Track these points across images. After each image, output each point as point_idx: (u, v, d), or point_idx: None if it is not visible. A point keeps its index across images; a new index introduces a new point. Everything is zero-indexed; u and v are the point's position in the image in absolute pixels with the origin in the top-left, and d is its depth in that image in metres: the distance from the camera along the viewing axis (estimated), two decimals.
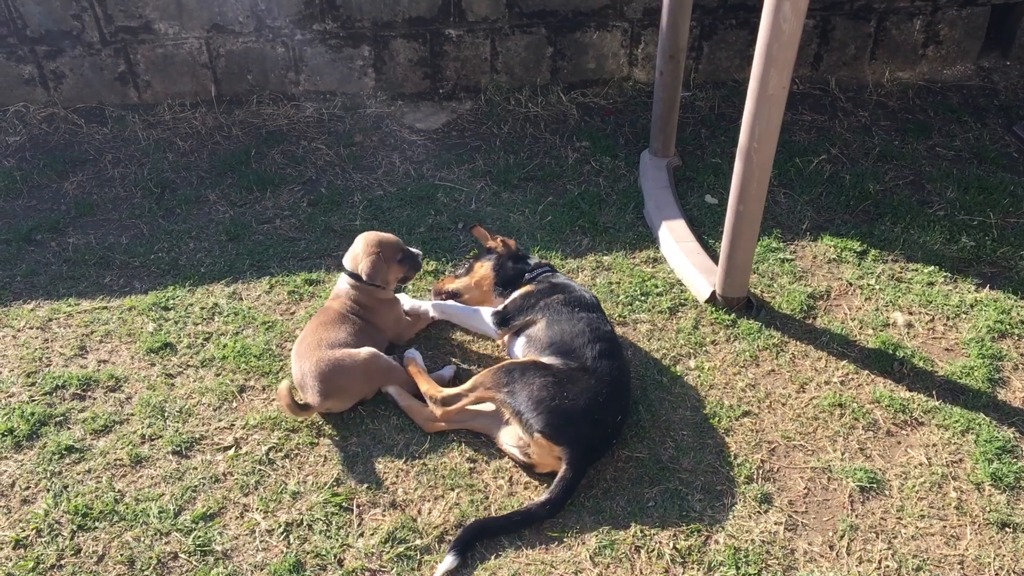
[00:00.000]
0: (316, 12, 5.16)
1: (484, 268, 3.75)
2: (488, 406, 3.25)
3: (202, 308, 3.88)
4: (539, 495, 3.02)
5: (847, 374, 3.57)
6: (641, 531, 2.94)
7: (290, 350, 3.62)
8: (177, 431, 3.29)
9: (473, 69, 5.48)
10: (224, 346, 3.67)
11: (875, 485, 3.11)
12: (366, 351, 3.32)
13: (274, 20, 5.16)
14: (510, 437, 3.16)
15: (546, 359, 3.24)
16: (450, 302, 3.73)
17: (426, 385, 3.30)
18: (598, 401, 3.10)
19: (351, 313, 3.47)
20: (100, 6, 4.99)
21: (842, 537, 2.94)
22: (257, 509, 3.01)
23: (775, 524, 2.98)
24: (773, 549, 2.90)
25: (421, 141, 5.15)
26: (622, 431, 3.23)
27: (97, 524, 2.95)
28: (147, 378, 3.53)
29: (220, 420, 3.35)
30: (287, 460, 3.19)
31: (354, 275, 3.51)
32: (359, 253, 3.50)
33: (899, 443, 3.29)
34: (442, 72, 5.46)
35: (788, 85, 3.25)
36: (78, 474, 3.13)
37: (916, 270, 4.12)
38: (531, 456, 3.09)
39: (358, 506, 3.03)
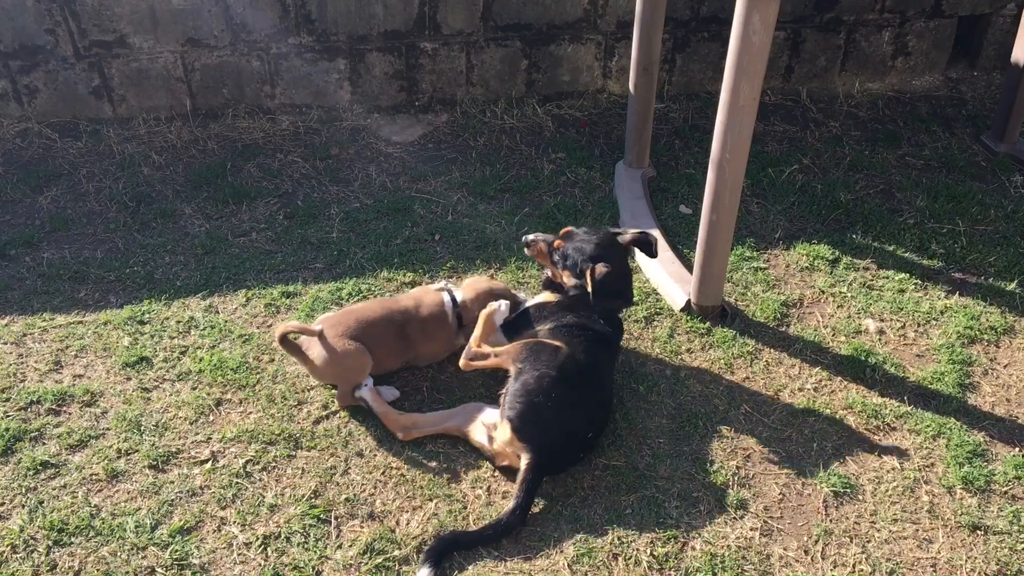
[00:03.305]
0: (291, 25, 5.17)
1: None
2: (460, 408, 3.36)
3: (178, 322, 3.87)
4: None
5: (820, 381, 3.62)
6: (619, 538, 2.96)
7: (267, 363, 3.63)
8: (153, 445, 3.28)
9: (449, 82, 5.50)
10: (200, 359, 3.66)
11: (848, 490, 3.15)
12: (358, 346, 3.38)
13: (249, 34, 5.17)
14: (483, 424, 3.23)
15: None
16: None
17: (478, 334, 3.40)
18: (577, 413, 3.14)
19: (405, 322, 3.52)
20: (74, 20, 4.97)
21: (816, 542, 2.98)
22: (234, 522, 3.00)
23: (751, 530, 3.01)
24: (749, 555, 2.93)
25: (397, 153, 5.17)
26: (593, 448, 3.25)
27: (73, 539, 2.94)
28: (123, 392, 3.52)
29: (197, 434, 3.34)
30: (264, 473, 3.19)
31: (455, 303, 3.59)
32: (470, 299, 3.56)
33: (872, 448, 3.33)
34: (418, 85, 5.49)
35: (759, 96, 3.29)
36: (53, 489, 3.11)
37: (887, 277, 4.18)
38: (494, 441, 3.16)
39: (336, 518, 3.03)
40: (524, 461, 3.04)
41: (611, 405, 3.38)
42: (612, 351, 3.49)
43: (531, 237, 3.65)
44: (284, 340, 3.38)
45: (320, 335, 3.35)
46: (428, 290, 3.68)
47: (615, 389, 3.52)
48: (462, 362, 3.37)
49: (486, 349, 3.35)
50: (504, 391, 3.20)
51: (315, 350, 3.36)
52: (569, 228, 3.62)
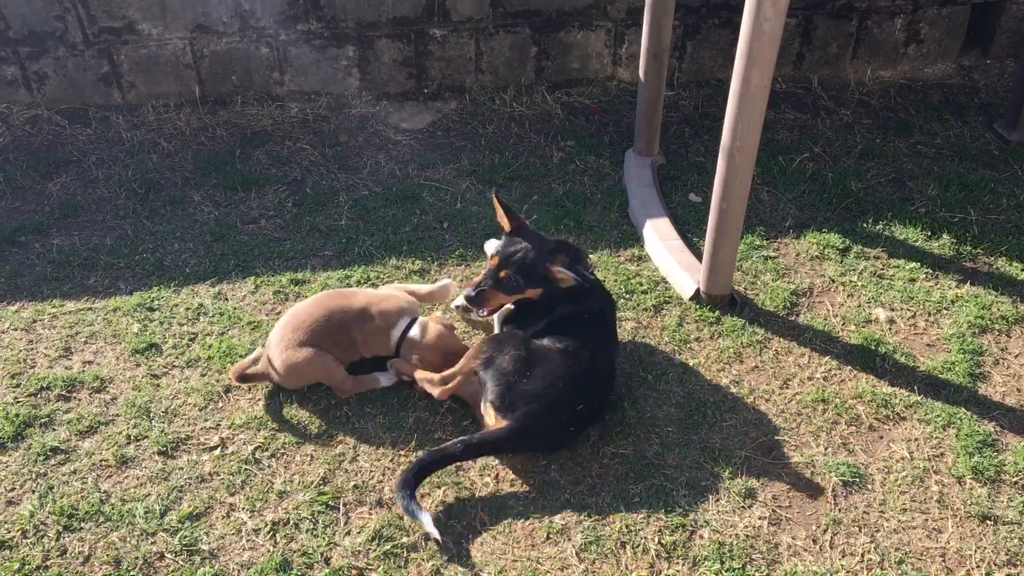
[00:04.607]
0: (300, 12, 5.16)
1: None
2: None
3: (187, 309, 3.88)
4: (523, 490, 3.06)
5: (830, 370, 3.60)
6: (626, 526, 2.96)
7: None
8: (163, 431, 3.29)
9: (458, 69, 5.49)
10: (210, 346, 3.67)
11: (858, 479, 3.14)
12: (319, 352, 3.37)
13: (258, 20, 5.16)
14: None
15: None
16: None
17: (422, 375, 3.33)
18: (561, 387, 3.12)
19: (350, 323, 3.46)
20: (83, 7, 4.97)
21: (825, 531, 2.97)
22: (243, 508, 3.01)
23: (759, 519, 3.00)
24: (757, 543, 2.92)
25: (406, 141, 5.16)
26: (587, 425, 3.24)
27: (83, 525, 2.95)
28: (132, 379, 3.53)
29: (206, 420, 3.35)
30: (273, 459, 3.20)
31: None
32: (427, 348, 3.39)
33: (881, 438, 3.32)
34: (427, 72, 5.47)
35: (770, 84, 3.27)
36: (63, 475, 3.13)
37: (898, 267, 4.16)
38: (484, 423, 3.18)
39: (344, 505, 3.04)
40: (504, 423, 3.08)
41: (611, 379, 3.34)
42: (608, 321, 3.43)
43: (471, 293, 3.34)
44: (243, 379, 3.43)
45: (267, 356, 3.40)
46: (390, 298, 3.53)
47: (624, 379, 3.52)
48: (436, 392, 3.27)
49: (448, 372, 3.28)
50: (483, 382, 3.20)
51: (271, 370, 3.40)
52: (493, 257, 3.39)
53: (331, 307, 3.45)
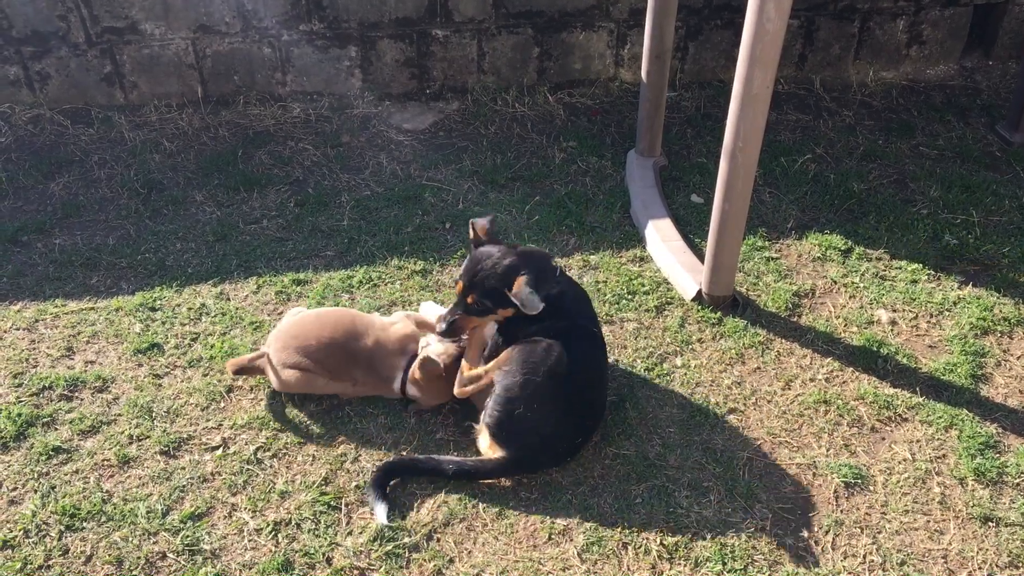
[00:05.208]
0: (302, 12, 5.16)
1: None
2: None
3: (189, 308, 3.88)
4: (525, 491, 3.06)
5: (832, 371, 3.60)
6: (628, 528, 2.96)
7: None
8: (165, 431, 3.29)
9: (460, 69, 5.49)
10: (212, 346, 3.67)
11: (859, 481, 3.14)
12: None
13: (260, 21, 5.16)
14: None
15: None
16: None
17: (470, 355, 3.28)
18: (561, 421, 3.09)
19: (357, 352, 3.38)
20: (86, 7, 4.97)
21: (827, 532, 2.97)
22: (245, 508, 3.02)
23: (761, 520, 3.00)
24: (759, 545, 2.92)
25: (408, 141, 5.16)
26: (583, 446, 3.21)
27: (85, 524, 2.95)
28: (134, 379, 3.53)
29: (208, 420, 3.35)
30: (275, 460, 3.20)
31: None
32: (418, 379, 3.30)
33: (883, 439, 3.32)
34: (429, 72, 5.47)
35: (772, 85, 3.27)
36: (65, 475, 3.13)
37: (900, 268, 4.16)
38: (478, 440, 3.17)
39: (346, 505, 3.04)
40: (498, 455, 3.08)
41: (604, 407, 3.30)
42: (597, 344, 3.32)
43: (443, 327, 3.20)
44: (239, 371, 3.43)
45: (268, 358, 3.37)
46: (395, 340, 3.40)
47: (626, 380, 3.53)
48: (457, 390, 3.22)
49: (478, 370, 3.22)
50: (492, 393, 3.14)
51: (269, 373, 3.38)
52: (458, 282, 3.21)
53: (341, 335, 3.35)
